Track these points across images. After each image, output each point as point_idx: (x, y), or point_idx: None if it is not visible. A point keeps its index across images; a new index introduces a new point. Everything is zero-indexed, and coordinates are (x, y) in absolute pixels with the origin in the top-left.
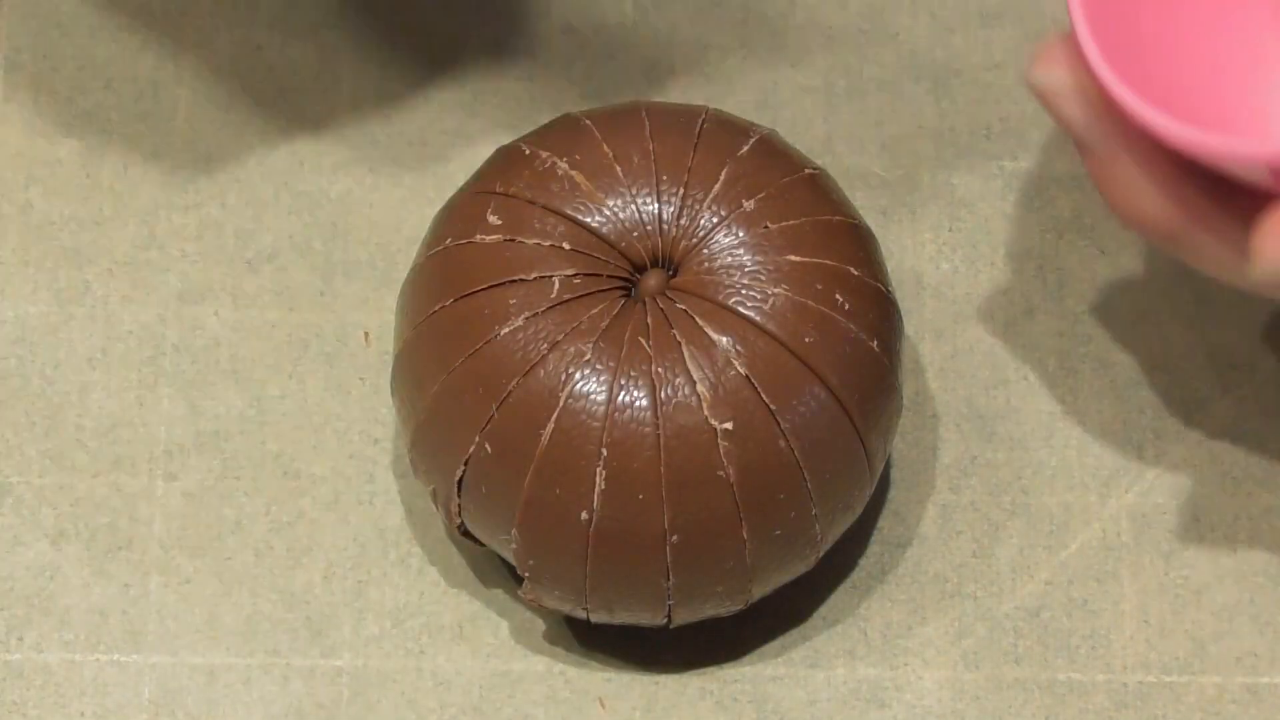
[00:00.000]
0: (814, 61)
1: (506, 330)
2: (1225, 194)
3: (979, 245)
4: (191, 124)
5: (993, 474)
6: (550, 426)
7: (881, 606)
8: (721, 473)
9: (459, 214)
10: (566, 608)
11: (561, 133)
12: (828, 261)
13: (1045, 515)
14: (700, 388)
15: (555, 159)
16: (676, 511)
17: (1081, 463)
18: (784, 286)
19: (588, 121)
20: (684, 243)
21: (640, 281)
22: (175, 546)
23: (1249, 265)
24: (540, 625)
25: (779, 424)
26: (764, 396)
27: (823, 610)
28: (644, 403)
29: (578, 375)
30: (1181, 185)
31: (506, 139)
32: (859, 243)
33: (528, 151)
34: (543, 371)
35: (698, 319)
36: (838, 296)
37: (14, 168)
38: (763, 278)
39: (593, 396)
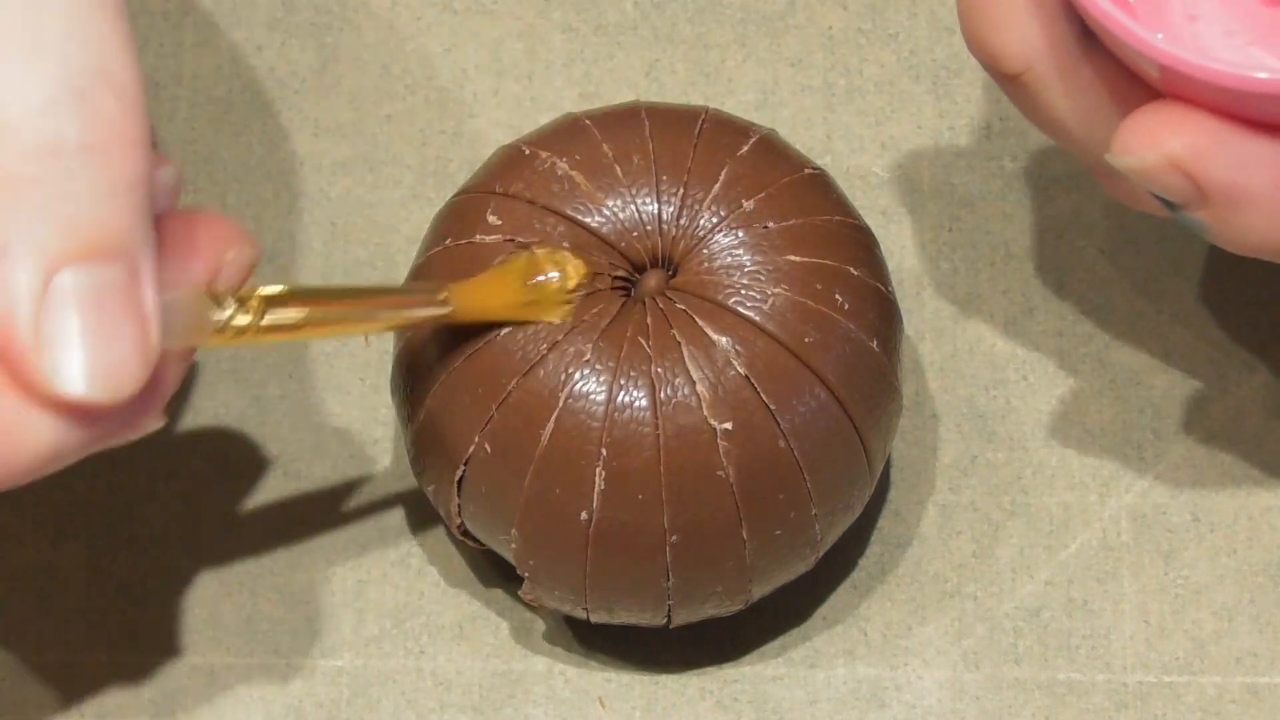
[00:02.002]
0: (814, 61)
1: (506, 330)
2: (1102, 65)
3: (979, 245)
4: (191, 124)
5: (993, 474)
6: (550, 426)
7: (881, 606)
8: (721, 473)
9: (459, 214)
10: (566, 608)
11: (561, 133)
12: (828, 261)
13: (1045, 515)
14: (700, 388)
15: (555, 159)
16: (676, 511)
17: (1081, 463)
18: (784, 286)
19: (588, 121)
20: (684, 243)
21: (640, 281)
22: (175, 546)
23: (1110, 149)
24: (540, 625)
25: (779, 424)
26: (764, 396)
27: (823, 610)
28: (644, 403)
29: (577, 375)
30: (1058, 22)
31: (506, 139)
32: (859, 243)
33: (528, 151)
34: (542, 371)
35: (697, 319)
36: (838, 296)
37: None
38: (762, 278)
39: (592, 396)
